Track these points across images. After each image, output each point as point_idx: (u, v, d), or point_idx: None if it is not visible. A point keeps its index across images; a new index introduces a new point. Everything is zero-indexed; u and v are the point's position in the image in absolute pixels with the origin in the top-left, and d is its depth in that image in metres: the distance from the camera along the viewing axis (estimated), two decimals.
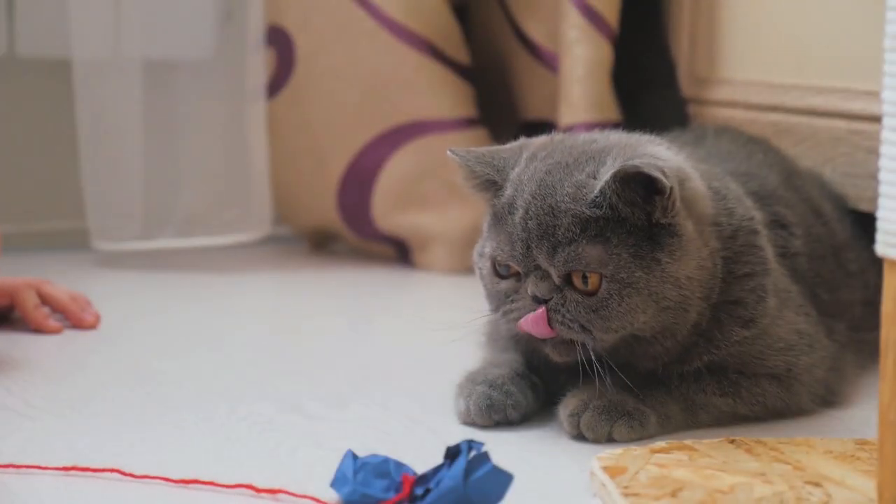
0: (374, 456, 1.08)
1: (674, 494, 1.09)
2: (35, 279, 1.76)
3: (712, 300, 1.29)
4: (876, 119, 1.69)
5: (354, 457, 1.08)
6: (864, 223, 1.69)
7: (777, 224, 1.46)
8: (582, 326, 1.24)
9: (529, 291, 1.26)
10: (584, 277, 1.24)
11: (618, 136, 1.34)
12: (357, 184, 2.19)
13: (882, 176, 0.97)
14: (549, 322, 1.25)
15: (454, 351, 1.45)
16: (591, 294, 1.24)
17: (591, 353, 1.25)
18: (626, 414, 1.28)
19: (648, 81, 2.09)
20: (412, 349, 1.67)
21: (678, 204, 1.24)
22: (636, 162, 1.21)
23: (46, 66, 2.25)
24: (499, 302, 1.30)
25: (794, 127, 1.85)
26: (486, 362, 1.40)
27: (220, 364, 1.59)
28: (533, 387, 1.35)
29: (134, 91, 2.16)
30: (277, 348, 1.71)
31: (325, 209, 2.23)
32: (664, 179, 1.22)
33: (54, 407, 1.39)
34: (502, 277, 1.30)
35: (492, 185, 1.32)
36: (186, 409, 1.39)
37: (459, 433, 1.31)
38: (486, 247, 1.32)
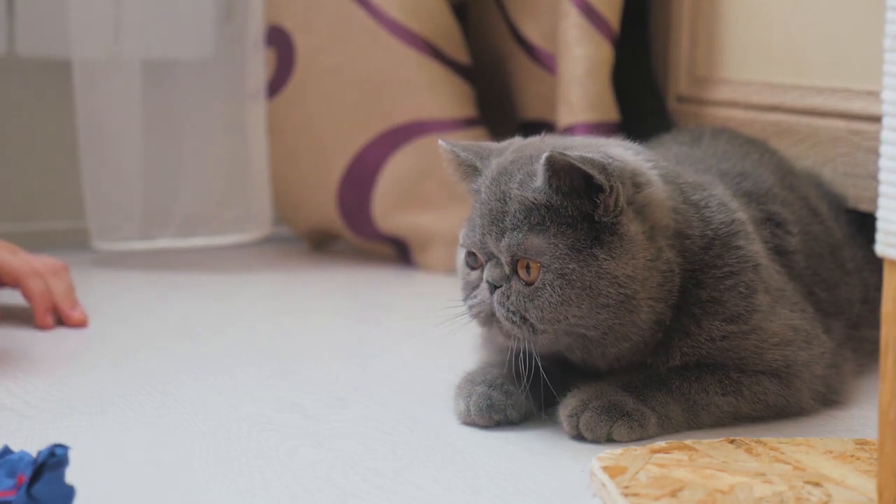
0: (23, 453, 1.07)
1: (674, 494, 1.09)
2: (45, 267, 1.76)
3: (671, 301, 1.30)
4: (876, 119, 1.69)
5: (3, 453, 1.07)
6: (861, 222, 1.69)
7: (772, 222, 1.46)
8: (522, 318, 1.26)
9: (485, 277, 1.29)
10: (528, 267, 1.26)
11: (591, 139, 1.37)
12: (357, 184, 2.19)
13: (882, 176, 0.97)
14: (495, 310, 1.27)
15: (453, 351, 1.45)
16: (531, 284, 1.25)
17: (530, 348, 1.27)
18: (626, 414, 1.28)
19: (637, 111, 2.08)
20: (412, 349, 1.67)
21: (622, 204, 1.25)
22: (566, 153, 1.23)
23: (46, 66, 2.25)
24: (467, 293, 1.32)
25: (793, 127, 1.85)
26: (484, 363, 1.40)
27: (220, 364, 1.59)
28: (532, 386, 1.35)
29: (134, 91, 2.16)
30: (277, 348, 1.71)
31: (325, 209, 2.23)
32: (598, 176, 1.23)
33: (54, 407, 1.39)
34: (472, 268, 1.32)
35: (474, 171, 1.34)
36: (187, 410, 1.39)
37: (459, 433, 1.31)
38: (460, 236, 1.34)
